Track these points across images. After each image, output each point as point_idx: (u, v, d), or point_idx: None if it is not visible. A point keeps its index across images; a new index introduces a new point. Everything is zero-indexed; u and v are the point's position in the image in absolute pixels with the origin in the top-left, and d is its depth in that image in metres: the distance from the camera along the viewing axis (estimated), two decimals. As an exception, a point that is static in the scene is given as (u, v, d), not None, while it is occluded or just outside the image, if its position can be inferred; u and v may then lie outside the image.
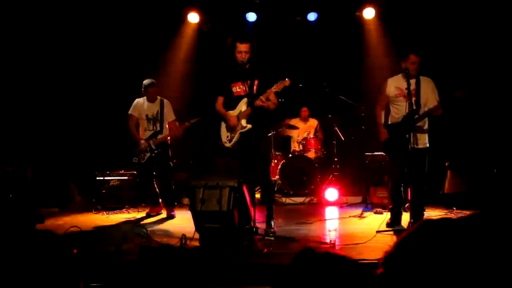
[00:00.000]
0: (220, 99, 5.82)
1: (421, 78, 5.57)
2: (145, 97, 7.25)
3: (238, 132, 5.63)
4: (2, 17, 8.24)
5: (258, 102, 5.39)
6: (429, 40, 8.95)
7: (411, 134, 5.50)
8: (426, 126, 5.78)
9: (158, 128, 7.18)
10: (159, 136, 7.13)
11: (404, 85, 5.67)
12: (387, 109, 6.02)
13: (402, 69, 5.72)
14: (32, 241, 1.37)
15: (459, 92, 5.37)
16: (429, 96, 5.68)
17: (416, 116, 5.41)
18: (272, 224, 5.63)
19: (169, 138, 7.23)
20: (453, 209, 7.04)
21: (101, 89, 9.31)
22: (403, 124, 5.65)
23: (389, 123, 5.92)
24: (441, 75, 6.55)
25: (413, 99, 5.46)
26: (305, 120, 10.00)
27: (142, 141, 7.12)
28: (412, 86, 5.51)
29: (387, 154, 6.12)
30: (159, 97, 7.28)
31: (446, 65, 8.64)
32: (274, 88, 5.42)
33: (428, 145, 5.75)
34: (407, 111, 5.57)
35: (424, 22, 9.24)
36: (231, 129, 5.69)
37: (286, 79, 5.42)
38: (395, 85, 5.83)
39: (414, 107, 5.42)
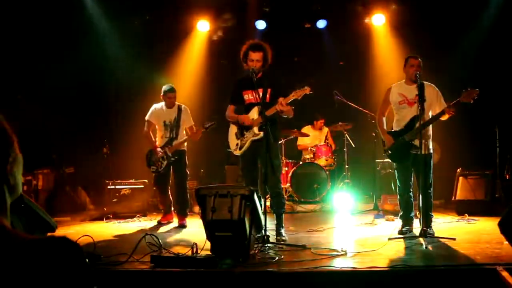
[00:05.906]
0: (231, 107, 5.84)
1: (425, 84, 5.54)
2: (163, 103, 7.23)
3: (250, 140, 5.62)
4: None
5: (278, 106, 5.37)
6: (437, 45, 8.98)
7: (415, 140, 5.53)
8: (429, 132, 5.76)
9: (174, 135, 7.18)
10: (174, 143, 7.14)
11: (407, 91, 5.71)
12: (389, 116, 6.00)
13: (404, 75, 5.80)
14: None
15: (467, 95, 5.33)
16: (434, 102, 5.67)
17: (423, 122, 5.36)
18: (283, 232, 5.62)
19: (186, 143, 7.24)
20: (465, 216, 6.99)
21: (111, 99, 9.35)
22: (407, 130, 5.66)
23: (393, 130, 5.90)
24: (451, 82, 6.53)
25: (417, 105, 5.44)
26: (319, 129, 9.98)
27: (159, 149, 7.12)
28: (415, 92, 5.48)
29: (392, 161, 6.11)
30: (177, 103, 7.28)
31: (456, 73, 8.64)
32: (292, 96, 5.42)
33: (431, 150, 5.75)
34: (411, 117, 5.61)
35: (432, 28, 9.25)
36: (242, 134, 5.69)
37: (306, 87, 5.42)
38: (398, 91, 5.82)
39: (418, 113, 5.40)
